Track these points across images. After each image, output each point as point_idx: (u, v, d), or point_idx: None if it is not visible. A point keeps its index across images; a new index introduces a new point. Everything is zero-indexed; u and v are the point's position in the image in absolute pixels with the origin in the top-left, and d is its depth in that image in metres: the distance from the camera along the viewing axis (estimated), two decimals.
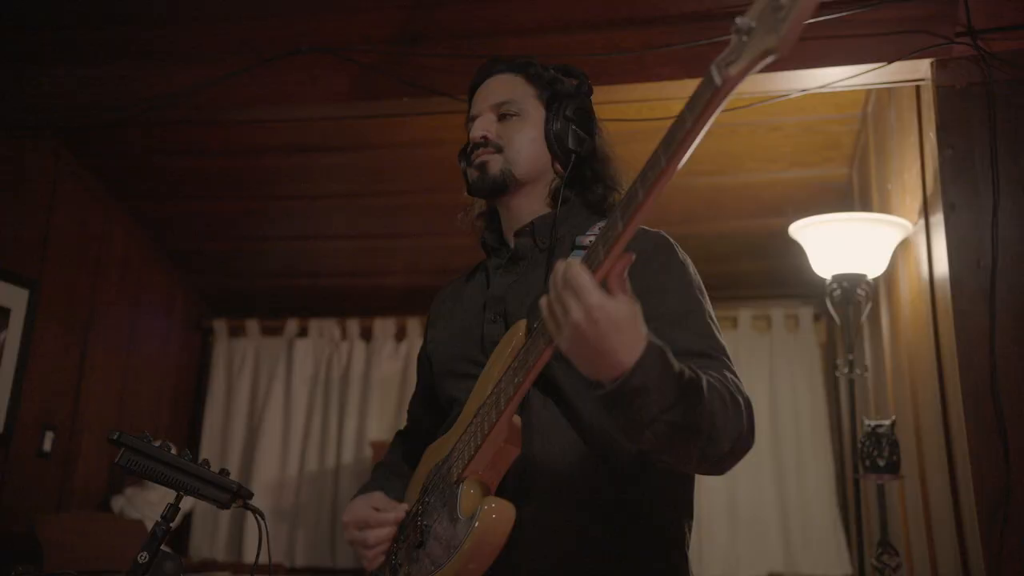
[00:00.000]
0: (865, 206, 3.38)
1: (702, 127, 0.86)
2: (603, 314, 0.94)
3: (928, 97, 2.27)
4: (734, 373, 1.17)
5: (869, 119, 3.27)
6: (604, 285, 0.97)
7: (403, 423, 1.63)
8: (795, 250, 2.91)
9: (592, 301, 0.94)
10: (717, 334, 1.22)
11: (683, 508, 1.28)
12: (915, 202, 2.51)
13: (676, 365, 1.02)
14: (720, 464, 1.13)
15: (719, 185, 3.79)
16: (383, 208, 4.18)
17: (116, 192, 4.10)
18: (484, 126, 1.38)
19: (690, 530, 1.28)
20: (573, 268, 0.95)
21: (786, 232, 2.84)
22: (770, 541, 4.23)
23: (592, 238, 1.26)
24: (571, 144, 1.36)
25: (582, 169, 1.39)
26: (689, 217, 3.99)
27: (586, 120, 1.40)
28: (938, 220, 2.19)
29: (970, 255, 2.08)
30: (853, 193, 3.70)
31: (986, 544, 1.93)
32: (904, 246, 2.69)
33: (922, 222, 2.43)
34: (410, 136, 3.54)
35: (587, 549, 1.19)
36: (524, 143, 1.37)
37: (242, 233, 4.56)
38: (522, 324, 1.20)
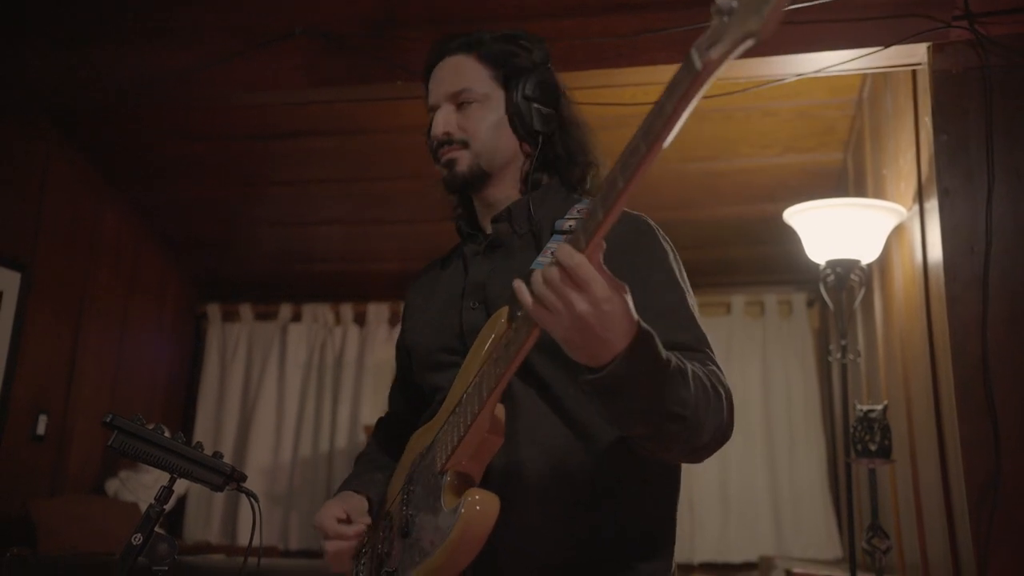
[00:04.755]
0: (860, 191, 3.38)
1: (682, 113, 0.82)
2: (610, 306, 0.94)
3: (924, 82, 2.26)
4: (716, 364, 1.16)
5: (865, 104, 3.27)
6: None
7: None
8: (789, 236, 2.91)
9: (600, 294, 0.93)
10: (699, 325, 1.21)
11: (667, 505, 1.27)
12: (910, 188, 2.51)
13: (663, 351, 1.02)
14: (698, 454, 1.12)
15: (713, 170, 3.79)
16: (377, 193, 4.17)
17: (108, 176, 4.08)
18: (445, 120, 1.34)
19: (673, 526, 1.26)
20: (576, 258, 0.93)
21: (780, 218, 2.84)
22: (762, 525, 4.26)
23: (572, 223, 1.23)
24: (537, 125, 1.32)
25: (552, 147, 1.35)
26: (683, 203, 3.99)
27: (548, 94, 1.35)
28: (932, 206, 2.19)
29: (964, 241, 2.09)
30: (848, 179, 3.70)
31: (975, 528, 1.95)
32: (898, 232, 2.70)
33: (916, 208, 2.43)
34: (403, 121, 3.52)
35: (571, 537, 1.18)
36: (488, 132, 1.33)
37: (235, 218, 4.54)
38: (504, 311, 1.18)
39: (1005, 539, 1.92)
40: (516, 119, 1.33)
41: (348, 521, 1.31)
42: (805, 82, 2.65)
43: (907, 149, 2.51)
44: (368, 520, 1.32)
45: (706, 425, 1.07)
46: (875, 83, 3.05)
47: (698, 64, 0.78)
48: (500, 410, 1.15)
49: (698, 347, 1.17)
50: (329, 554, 1.31)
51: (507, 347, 1.08)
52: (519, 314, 1.06)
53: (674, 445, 1.08)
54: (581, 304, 0.93)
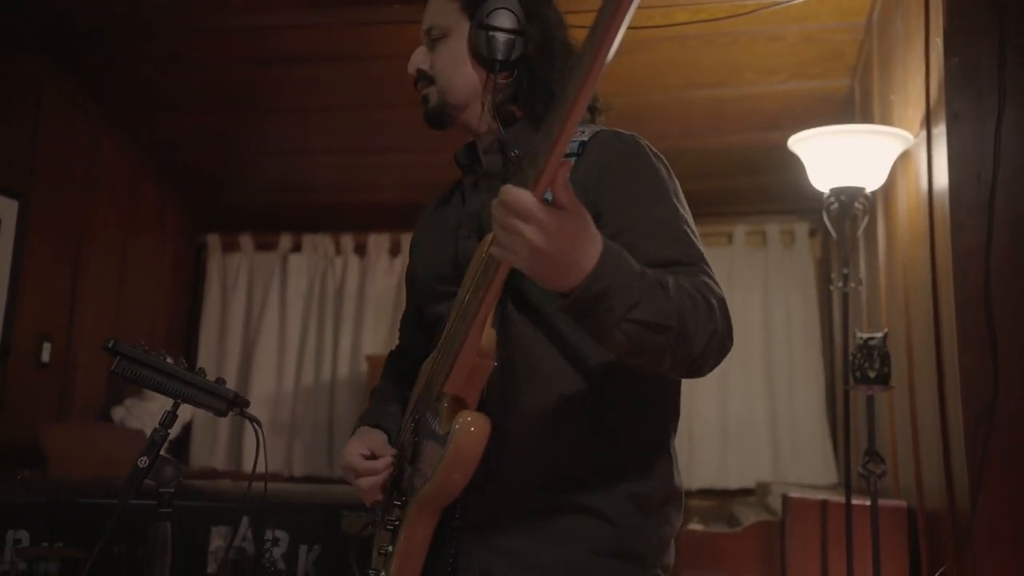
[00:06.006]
0: (866, 118, 3.33)
1: (623, 18, 0.80)
2: (559, 230, 0.93)
3: (937, 2, 2.20)
4: (711, 277, 1.14)
5: (874, 27, 3.19)
6: (549, 196, 0.94)
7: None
8: (793, 165, 2.88)
9: (545, 220, 0.92)
10: (694, 240, 1.18)
11: (666, 411, 1.27)
12: (917, 113, 2.47)
13: (636, 265, 1.01)
14: (695, 366, 1.10)
15: (719, 97, 3.72)
16: (377, 122, 4.11)
17: (104, 105, 4.02)
18: (416, 60, 1.35)
19: (675, 431, 1.27)
20: (513, 193, 0.92)
21: (784, 146, 2.80)
22: (759, 452, 4.33)
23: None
24: (498, 54, 1.27)
25: (521, 76, 1.31)
26: (688, 131, 3.93)
27: (508, 20, 1.29)
28: (940, 131, 2.16)
29: (971, 167, 2.06)
30: (854, 105, 3.64)
31: (970, 453, 1.97)
32: (904, 158, 2.66)
33: (924, 134, 2.39)
34: (405, 46, 3.41)
35: (570, 457, 1.20)
36: (449, 66, 1.32)
37: (234, 147, 4.49)
38: (490, 237, 1.14)
39: (998, 463, 1.95)
40: (473, 49, 1.30)
41: (373, 457, 1.33)
42: (813, 4, 2.59)
43: (916, 73, 2.45)
44: (392, 451, 1.34)
45: (696, 334, 1.06)
46: (885, 4, 2.97)
47: None
48: (491, 335, 1.16)
49: (691, 261, 1.14)
50: (364, 492, 1.32)
51: (484, 273, 1.09)
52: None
53: (665, 357, 1.06)
54: (531, 234, 0.93)
